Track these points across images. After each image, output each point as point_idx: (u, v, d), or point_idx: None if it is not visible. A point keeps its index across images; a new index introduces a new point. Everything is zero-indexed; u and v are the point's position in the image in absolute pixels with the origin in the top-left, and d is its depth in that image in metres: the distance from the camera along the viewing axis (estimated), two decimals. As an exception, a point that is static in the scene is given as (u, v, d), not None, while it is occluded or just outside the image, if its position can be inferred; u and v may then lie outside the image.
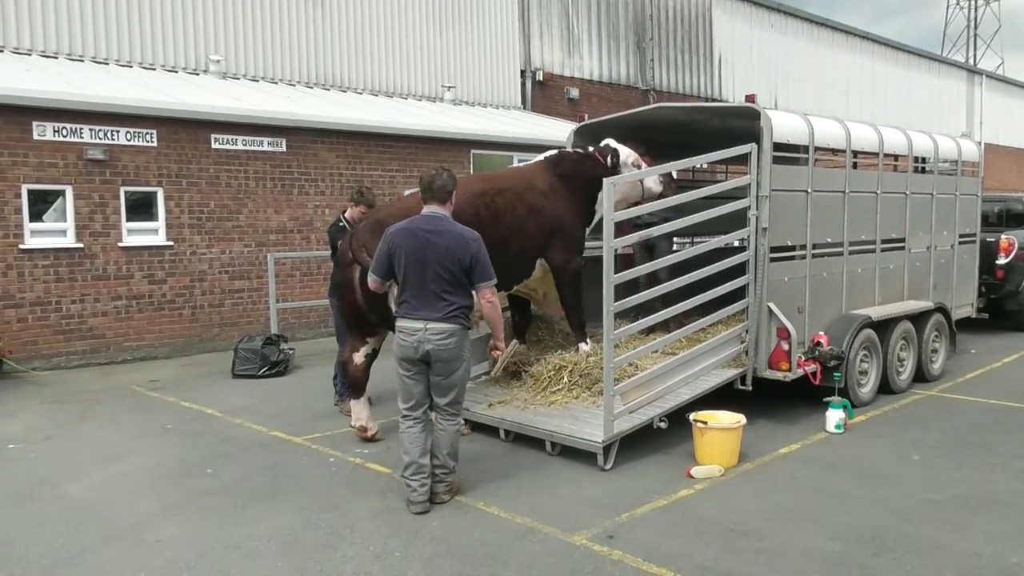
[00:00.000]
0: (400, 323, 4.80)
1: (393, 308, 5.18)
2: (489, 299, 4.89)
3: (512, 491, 5.09)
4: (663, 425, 5.74)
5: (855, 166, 7.89)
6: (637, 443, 5.74)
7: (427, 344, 4.70)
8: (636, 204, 6.76)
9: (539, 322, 7.43)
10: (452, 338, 4.72)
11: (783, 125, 6.73)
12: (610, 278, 5.40)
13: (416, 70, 15.66)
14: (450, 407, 4.92)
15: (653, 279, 6.81)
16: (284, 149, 11.26)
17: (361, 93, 14.71)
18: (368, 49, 14.94)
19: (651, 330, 6.79)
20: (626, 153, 7.01)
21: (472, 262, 4.76)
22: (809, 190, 6.95)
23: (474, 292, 4.89)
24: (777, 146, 6.57)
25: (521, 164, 7.29)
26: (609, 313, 5.40)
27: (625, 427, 5.57)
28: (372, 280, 5.05)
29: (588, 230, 6.97)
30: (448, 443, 4.93)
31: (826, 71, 25.19)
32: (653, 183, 7.05)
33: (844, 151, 7.52)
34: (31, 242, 9.37)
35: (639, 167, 6.96)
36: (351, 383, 6.24)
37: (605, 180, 5.55)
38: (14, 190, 9.22)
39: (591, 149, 7.06)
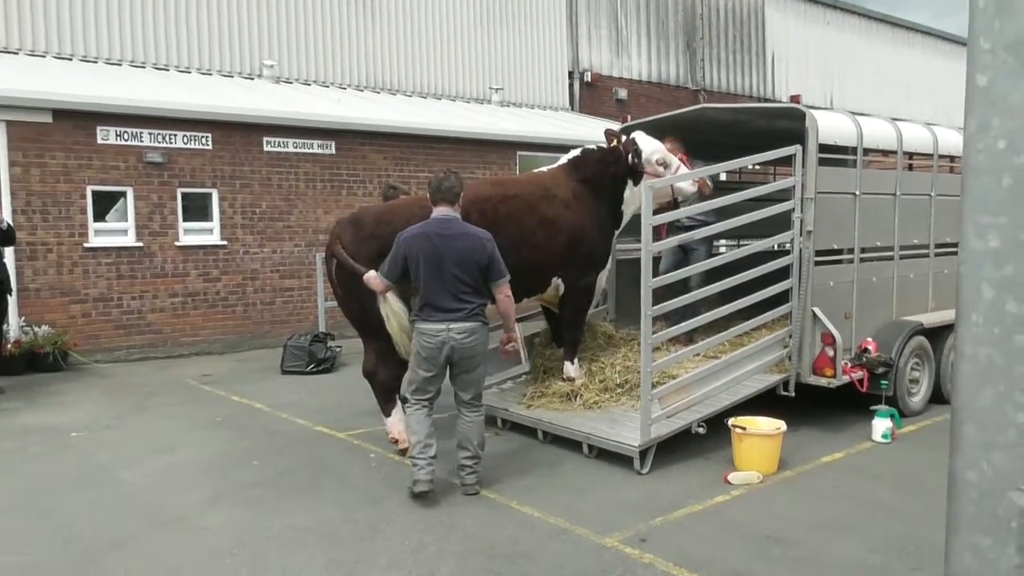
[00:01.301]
0: (421, 326, 4.90)
1: (387, 314, 5.26)
2: (505, 294, 5.02)
3: (547, 491, 5.14)
4: (702, 430, 5.71)
5: (910, 167, 7.73)
6: (675, 447, 5.73)
7: (451, 344, 4.84)
8: (669, 204, 6.56)
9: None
10: (474, 335, 4.89)
11: (829, 126, 6.63)
12: (648, 282, 5.40)
13: (464, 72, 15.80)
14: (475, 400, 5.10)
15: (686, 284, 6.73)
16: (333, 151, 11.50)
17: (410, 96, 14.90)
18: (417, 52, 15.13)
19: (692, 334, 6.73)
20: (651, 149, 6.62)
21: (488, 262, 4.89)
22: (857, 192, 6.83)
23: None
24: (823, 147, 6.48)
25: (544, 168, 6.94)
26: (647, 317, 5.40)
27: (663, 432, 5.57)
28: (380, 281, 5.11)
29: (617, 232, 6.85)
30: (477, 433, 5.11)
31: (886, 69, 24.59)
32: (686, 184, 6.74)
33: (895, 152, 7.37)
34: (95, 241, 9.75)
35: (666, 164, 6.63)
36: (380, 395, 5.89)
37: (643, 184, 5.55)
38: (80, 191, 9.61)
39: (615, 143, 6.69)
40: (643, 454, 5.45)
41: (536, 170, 7.04)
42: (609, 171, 6.57)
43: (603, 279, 6.88)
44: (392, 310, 5.27)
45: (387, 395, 5.86)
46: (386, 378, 5.79)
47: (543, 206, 6.24)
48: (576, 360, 6.63)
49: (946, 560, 2.26)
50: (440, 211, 4.97)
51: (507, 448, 6.08)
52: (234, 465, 5.75)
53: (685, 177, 6.63)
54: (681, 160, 6.98)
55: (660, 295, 5.71)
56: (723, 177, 10.12)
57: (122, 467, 5.71)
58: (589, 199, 6.47)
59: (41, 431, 6.61)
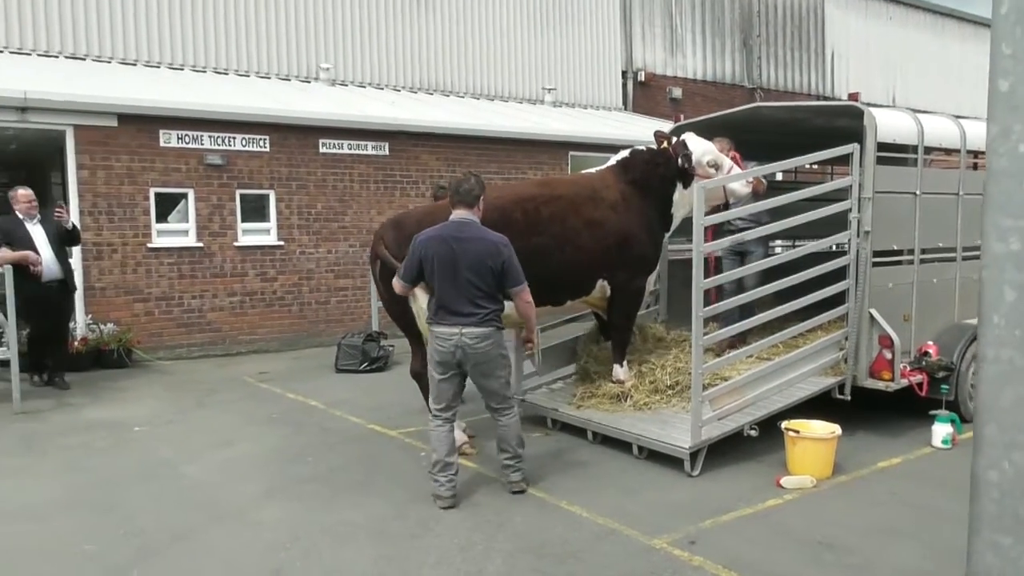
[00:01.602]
0: (436, 329, 4.91)
1: (417, 312, 5.30)
2: (526, 300, 4.97)
3: (596, 492, 5.13)
4: (753, 433, 5.63)
5: (975, 167, 7.50)
6: (727, 450, 5.66)
7: (464, 349, 4.82)
8: (721, 206, 6.44)
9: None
10: (487, 341, 4.84)
11: (889, 124, 6.48)
12: (699, 283, 5.35)
13: (517, 73, 15.85)
14: (502, 405, 5.07)
15: (741, 284, 6.65)
16: (387, 152, 11.64)
17: (463, 97, 15.01)
18: (470, 54, 15.23)
19: (744, 336, 6.65)
20: (701, 151, 6.51)
21: (503, 267, 4.83)
22: (918, 192, 6.66)
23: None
24: (883, 146, 6.34)
25: (593, 169, 6.89)
26: (698, 318, 5.35)
27: (713, 434, 5.51)
28: (397, 283, 5.15)
29: (668, 234, 6.79)
30: (513, 434, 5.10)
31: (952, 65, 23.87)
32: (739, 185, 6.59)
33: (959, 151, 7.16)
34: (157, 241, 10.04)
35: (717, 166, 6.51)
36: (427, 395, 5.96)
37: (695, 184, 5.50)
38: (143, 193, 9.91)
39: (664, 145, 6.57)
40: (694, 456, 5.41)
41: (584, 171, 7.00)
42: (658, 172, 6.48)
43: (652, 282, 6.81)
44: (420, 308, 5.31)
45: None
46: None
47: (589, 207, 6.18)
48: (625, 363, 6.59)
49: (968, 559, 2.24)
50: (457, 214, 4.95)
51: (557, 448, 6.09)
52: (289, 461, 5.87)
53: (737, 178, 6.51)
54: (733, 160, 6.86)
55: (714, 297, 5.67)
56: (779, 177, 9.96)
57: (183, 461, 5.88)
58: (637, 201, 6.38)
59: (106, 426, 6.84)
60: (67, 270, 8.31)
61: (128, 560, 4.22)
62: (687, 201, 6.40)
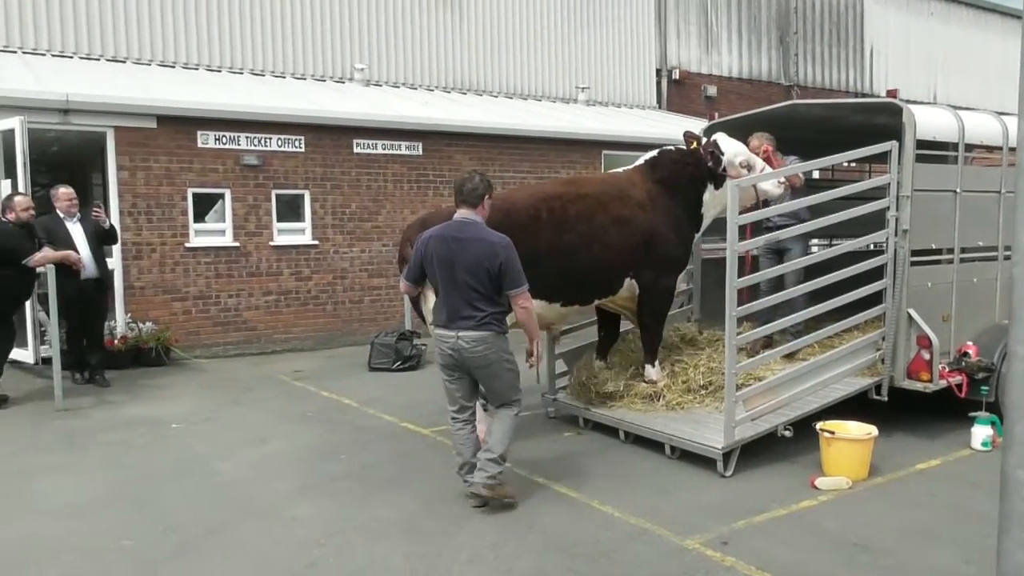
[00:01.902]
0: (436, 331, 4.84)
1: (426, 313, 5.27)
2: (522, 305, 4.76)
3: (628, 492, 5.11)
4: (788, 434, 5.58)
5: (1019, 164, 7.33)
6: (761, 450, 5.61)
7: (462, 352, 4.71)
8: (754, 207, 6.36)
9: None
10: (484, 345, 4.69)
11: (928, 121, 6.36)
12: (733, 282, 5.31)
13: (550, 72, 15.83)
14: (508, 401, 4.93)
15: (779, 283, 6.58)
16: (420, 152, 11.70)
17: (496, 96, 15.03)
18: (503, 53, 15.25)
19: (770, 337, 6.55)
20: (733, 151, 6.43)
21: (501, 269, 4.65)
22: (958, 190, 6.54)
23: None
24: (922, 143, 6.23)
25: (620, 169, 6.84)
26: (731, 318, 5.31)
27: (747, 434, 5.46)
28: (402, 283, 5.12)
29: (698, 235, 6.71)
30: (497, 427, 4.90)
31: (995, 61, 23.34)
32: (771, 185, 6.50)
33: (1001, 148, 7.01)
34: (195, 241, 10.20)
35: (750, 167, 6.43)
36: None
37: (730, 182, 5.45)
38: (181, 193, 10.08)
39: (694, 146, 6.51)
40: (727, 456, 5.37)
41: (612, 171, 6.98)
42: (687, 172, 6.42)
43: (681, 281, 6.75)
44: (428, 309, 5.26)
45: None
46: None
47: (616, 205, 6.13)
48: (658, 363, 6.54)
49: (998, 559, 2.19)
50: (460, 213, 4.83)
51: (588, 447, 6.08)
52: (322, 458, 5.94)
53: (768, 177, 6.43)
54: (767, 156, 6.77)
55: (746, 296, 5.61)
56: (815, 175, 9.84)
57: (218, 458, 5.97)
58: (665, 200, 6.33)
59: (144, 423, 6.96)
60: (103, 269, 8.46)
61: (165, 555, 4.29)
62: (719, 201, 6.37)
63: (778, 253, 7.02)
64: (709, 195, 6.49)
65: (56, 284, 7.41)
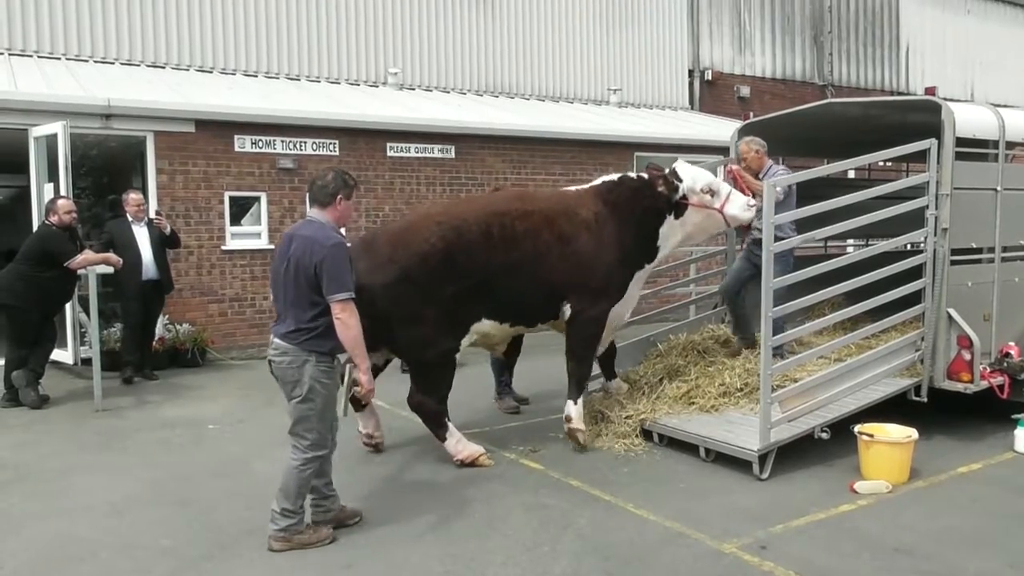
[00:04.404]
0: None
1: None
2: (337, 315, 4.12)
3: (663, 495, 5.08)
4: (825, 436, 5.50)
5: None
6: (797, 453, 5.54)
7: (270, 360, 4.28)
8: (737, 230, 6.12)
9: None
10: (286, 357, 4.19)
11: (968, 119, 6.26)
12: (769, 283, 5.26)
13: (582, 74, 15.81)
14: (294, 441, 4.32)
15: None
16: (453, 155, 11.74)
17: (528, 99, 15.04)
18: (535, 56, 15.26)
19: (781, 348, 6.45)
20: (692, 178, 6.04)
21: (318, 271, 4.10)
22: (999, 188, 6.42)
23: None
24: (961, 141, 6.13)
25: (574, 188, 6.43)
26: (767, 319, 5.25)
27: (783, 436, 5.40)
28: None
29: (651, 266, 6.34)
30: (283, 479, 4.31)
31: (1035, 59, 22.90)
32: (739, 210, 6.09)
33: (1043, 145, 6.87)
34: (231, 243, 10.34)
35: (714, 192, 6.07)
36: (429, 423, 5.82)
37: (765, 181, 5.39)
38: (218, 197, 10.22)
39: (655, 174, 6.09)
40: (763, 459, 5.31)
41: (564, 189, 6.67)
42: (642, 203, 6.05)
43: (623, 315, 6.37)
44: None
45: (438, 421, 5.73)
46: (432, 406, 5.71)
47: (562, 222, 5.82)
48: (580, 401, 5.99)
49: None
50: (309, 212, 4.46)
51: (622, 450, 6.03)
52: (356, 459, 5.96)
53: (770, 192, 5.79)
54: (734, 178, 6.48)
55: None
56: (851, 174, 9.71)
57: (254, 458, 6.03)
58: (612, 225, 5.95)
59: (181, 423, 7.05)
60: (164, 271, 8.83)
61: (202, 554, 4.34)
62: (681, 231, 6.18)
63: (756, 267, 6.53)
64: (668, 227, 6.14)
65: (115, 284, 7.80)
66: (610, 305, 6.06)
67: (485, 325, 5.76)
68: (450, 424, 5.77)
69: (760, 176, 6.77)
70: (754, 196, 6.30)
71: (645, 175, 6.15)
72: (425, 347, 5.59)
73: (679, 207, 6.09)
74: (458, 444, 5.72)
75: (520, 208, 5.85)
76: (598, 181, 6.32)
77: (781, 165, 7.06)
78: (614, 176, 6.34)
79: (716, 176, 6.60)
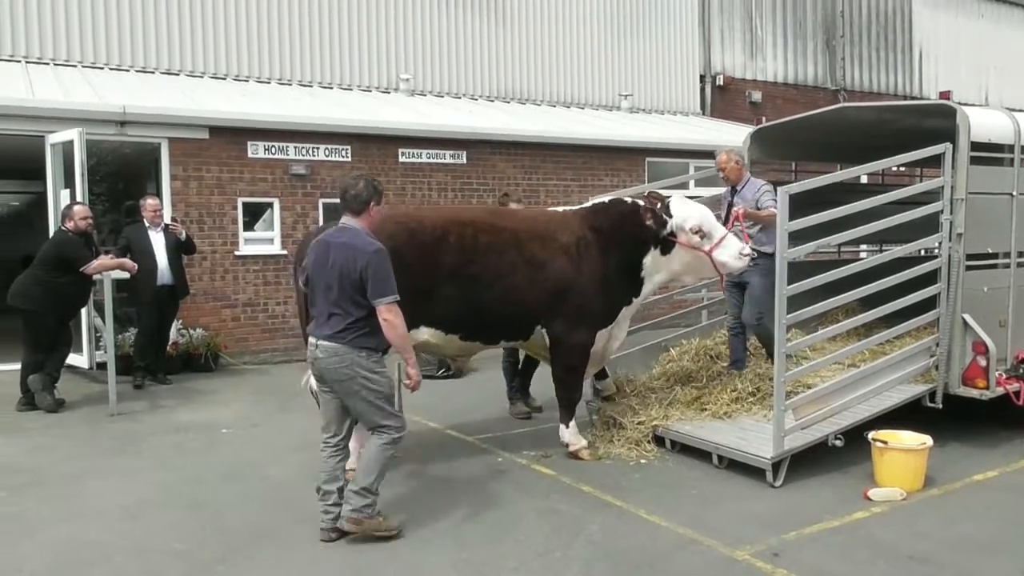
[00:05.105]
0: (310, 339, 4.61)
1: None
2: (384, 317, 4.35)
3: (675, 501, 5.06)
4: (839, 443, 5.46)
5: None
6: (811, 460, 5.51)
7: (318, 363, 4.46)
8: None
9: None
10: (335, 357, 4.39)
11: (983, 123, 6.22)
12: (783, 289, 5.24)
13: (593, 80, 15.82)
14: (373, 432, 4.57)
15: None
16: (464, 161, 11.77)
17: (539, 105, 15.06)
18: (546, 62, 15.29)
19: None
20: (684, 216, 5.76)
21: (363, 275, 4.32)
22: (1015, 193, 6.38)
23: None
24: (976, 145, 6.10)
25: (562, 208, 6.31)
26: (781, 326, 5.23)
27: (796, 444, 5.37)
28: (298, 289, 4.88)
29: (638, 301, 6.12)
30: (364, 456, 4.60)
31: (1049, 63, 22.73)
32: (731, 257, 5.77)
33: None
34: (244, 249, 10.39)
35: (703, 234, 5.76)
36: None
37: (780, 188, 5.36)
38: (232, 203, 10.28)
39: (648, 204, 5.85)
40: (776, 466, 5.28)
41: (552, 209, 6.54)
42: (627, 230, 5.84)
43: (610, 350, 6.22)
44: None
45: None
46: None
47: (535, 246, 5.65)
48: (573, 423, 5.95)
49: None
50: (343, 220, 4.58)
51: (634, 456, 6.02)
52: (369, 463, 5.98)
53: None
54: (736, 217, 6.25)
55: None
56: (864, 180, 9.67)
57: (267, 463, 6.05)
58: (596, 250, 5.77)
59: (195, 428, 7.09)
60: (179, 276, 8.93)
61: (215, 557, 4.36)
62: (665, 267, 5.95)
63: (739, 286, 6.64)
64: (652, 260, 5.92)
65: (130, 289, 7.92)
66: (592, 332, 5.87)
67: (423, 333, 5.56)
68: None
69: (738, 189, 6.67)
70: (760, 229, 6.25)
71: (640, 201, 5.95)
72: None
73: (667, 243, 5.86)
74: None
75: (488, 222, 5.74)
76: (589, 203, 6.20)
77: (763, 180, 6.77)
78: (606, 198, 6.22)
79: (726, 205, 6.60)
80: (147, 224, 8.70)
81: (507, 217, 6.00)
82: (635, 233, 5.83)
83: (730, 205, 6.63)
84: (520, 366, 7.32)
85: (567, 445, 5.97)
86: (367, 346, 4.43)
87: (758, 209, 6.42)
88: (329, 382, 4.49)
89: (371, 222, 4.55)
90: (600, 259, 5.78)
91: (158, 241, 8.69)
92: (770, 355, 6.08)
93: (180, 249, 8.91)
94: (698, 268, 5.96)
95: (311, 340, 4.53)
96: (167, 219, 9.14)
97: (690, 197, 6.32)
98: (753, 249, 6.05)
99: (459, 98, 14.26)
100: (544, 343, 5.90)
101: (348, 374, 4.40)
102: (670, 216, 5.78)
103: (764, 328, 6.33)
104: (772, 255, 5.83)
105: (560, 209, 6.31)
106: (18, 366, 7.88)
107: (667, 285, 6.48)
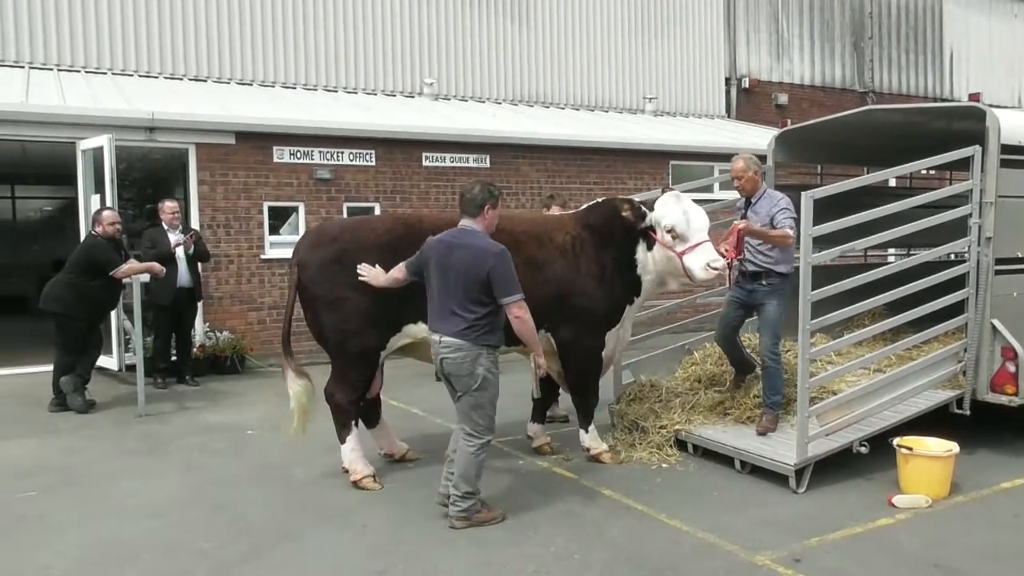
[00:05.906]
0: (432, 336, 4.83)
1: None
2: (515, 314, 4.62)
3: (697, 506, 5.04)
4: (864, 450, 5.42)
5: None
6: (835, 465, 5.46)
7: (441, 357, 4.67)
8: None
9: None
10: (460, 352, 4.61)
11: (1013, 125, 6.13)
12: (807, 295, 5.19)
13: (617, 83, 15.81)
14: (468, 428, 4.74)
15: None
16: (488, 165, 11.81)
17: (563, 108, 15.08)
18: (570, 65, 15.31)
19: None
20: (660, 214, 5.63)
21: (490, 276, 4.55)
22: (1046, 197, 6.28)
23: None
24: (1006, 148, 6.01)
25: (557, 211, 6.35)
26: (805, 331, 5.19)
27: (820, 450, 5.33)
28: (399, 271, 4.99)
29: (639, 300, 6.01)
30: (461, 465, 4.74)
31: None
32: (695, 265, 5.49)
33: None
34: (270, 253, 10.50)
35: (676, 235, 5.56)
36: (335, 419, 5.69)
37: (803, 195, 5.26)
38: (258, 207, 10.41)
39: (623, 199, 5.85)
40: (799, 473, 5.24)
41: (549, 212, 6.45)
42: (615, 223, 5.79)
43: (612, 353, 6.10)
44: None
45: (343, 420, 5.59)
46: (342, 401, 5.58)
47: (532, 247, 5.64)
48: (593, 427, 5.98)
49: None
50: (462, 222, 4.83)
51: (656, 460, 6.00)
52: (392, 466, 6.02)
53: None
54: (733, 232, 5.67)
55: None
56: (892, 182, 9.56)
57: (292, 464, 6.11)
58: (592, 250, 5.76)
59: (222, 429, 7.18)
60: (196, 280, 9.05)
61: (240, 557, 4.42)
62: (653, 268, 5.84)
63: (745, 306, 6.14)
64: (643, 254, 5.84)
65: (149, 291, 7.92)
66: (602, 335, 5.85)
67: (420, 329, 5.47)
68: (355, 431, 5.60)
69: (753, 202, 6.04)
70: (773, 246, 5.82)
71: (634, 198, 5.91)
72: (346, 337, 5.50)
73: (647, 238, 5.79)
74: (351, 454, 5.56)
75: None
76: (585, 206, 6.18)
77: (780, 193, 6.17)
78: (601, 199, 6.20)
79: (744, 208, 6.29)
80: (166, 226, 8.82)
81: (504, 219, 5.87)
82: (622, 226, 5.77)
83: (743, 218, 6.00)
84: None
85: (588, 449, 5.98)
86: (488, 343, 4.68)
87: (772, 226, 5.77)
88: (450, 376, 4.73)
89: (487, 223, 4.80)
90: (598, 257, 5.78)
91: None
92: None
93: (195, 259, 9.02)
94: (673, 271, 5.74)
95: (433, 336, 4.75)
96: (183, 228, 9.19)
97: (710, 200, 6.20)
98: (765, 268, 5.82)
99: (483, 102, 14.32)
100: (549, 349, 5.76)
101: (468, 369, 4.63)
102: (650, 211, 5.70)
103: (775, 370, 5.89)
104: (787, 276, 5.76)
105: (556, 211, 6.33)
106: (50, 368, 8.03)
107: (667, 289, 6.32)
